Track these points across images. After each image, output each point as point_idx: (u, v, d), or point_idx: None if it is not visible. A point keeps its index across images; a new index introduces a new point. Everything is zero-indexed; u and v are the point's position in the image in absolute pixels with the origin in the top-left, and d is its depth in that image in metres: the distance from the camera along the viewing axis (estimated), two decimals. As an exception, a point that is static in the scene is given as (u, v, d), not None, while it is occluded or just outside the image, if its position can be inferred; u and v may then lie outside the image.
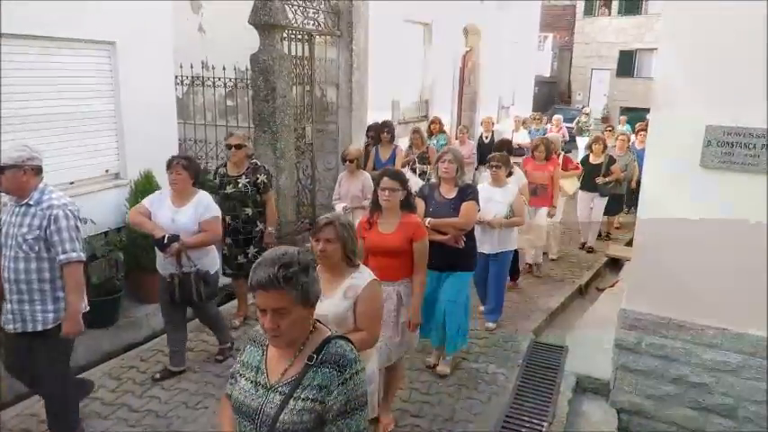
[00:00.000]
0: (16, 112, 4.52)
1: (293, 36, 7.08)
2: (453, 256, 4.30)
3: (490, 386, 4.43)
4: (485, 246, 5.14)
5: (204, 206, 4.18)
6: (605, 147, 8.19)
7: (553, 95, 26.46)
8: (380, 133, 7.23)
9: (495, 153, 5.45)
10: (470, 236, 4.45)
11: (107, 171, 5.43)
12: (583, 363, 4.71)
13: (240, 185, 4.92)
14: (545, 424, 3.96)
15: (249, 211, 4.99)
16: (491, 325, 5.39)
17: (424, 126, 9.27)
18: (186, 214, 4.14)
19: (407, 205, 3.71)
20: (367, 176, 5.94)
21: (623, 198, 8.99)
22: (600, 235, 8.64)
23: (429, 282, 4.09)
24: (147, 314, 5.22)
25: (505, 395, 4.31)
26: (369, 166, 6.82)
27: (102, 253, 5.07)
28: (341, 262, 2.85)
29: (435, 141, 8.75)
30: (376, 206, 3.71)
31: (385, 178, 3.63)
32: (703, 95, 3.74)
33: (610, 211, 8.63)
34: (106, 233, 5.26)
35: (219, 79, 7.25)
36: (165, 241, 4.00)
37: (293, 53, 7.12)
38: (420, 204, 4.24)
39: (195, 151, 7.55)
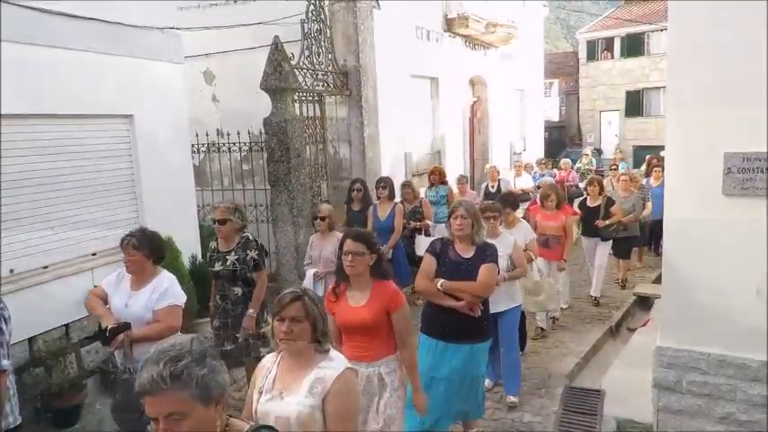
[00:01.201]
0: (39, 187, 4.65)
1: (304, 98, 7.28)
2: (467, 322, 3.72)
3: (527, 436, 4.25)
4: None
5: (161, 291, 3.55)
6: (602, 188, 7.60)
7: (564, 139, 26.67)
8: (376, 190, 6.79)
9: (485, 202, 5.08)
10: (486, 301, 3.88)
11: (127, 241, 5.50)
12: (622, 406, 4.51)
13: (229, 262, 4.43)
14: (588, 474, 3.77)
15: (239, 290, 4.49)
16: (513, 399, 4.73)
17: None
18: (140, 300, 3.55)
19: (379, 271, 3.19)
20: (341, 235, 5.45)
21: (635, 241, 8.47)
22: (620, 282, 8.18)
23: (429, 352, 3.74)
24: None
25: (544, 445, 4.13)
26: (368, 226, 6.44)
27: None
28: (309, 347, 2.32)
29: (435, 193, 8.13)
30: (341, 274, 3.19)
31: (348, 240, 3.13)
32: (719, 122, 3.72)
33: (620, 254, 8.16)
34: (128, 302, 5.26)
35: (234, 144, 7.43)
36: (108, 332, 3.40)
37: (305, 114, 7.29)
38: (430, 262, 3.82)
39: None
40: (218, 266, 4.48)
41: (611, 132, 25.79)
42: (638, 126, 24.58)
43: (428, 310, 3.83)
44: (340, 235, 5.30)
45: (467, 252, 3.80)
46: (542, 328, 6.23)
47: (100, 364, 5.02)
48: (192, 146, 7.13)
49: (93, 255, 5.10)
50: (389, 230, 6.47)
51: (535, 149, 15.27)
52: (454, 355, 3.70)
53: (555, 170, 12.72)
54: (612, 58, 26.11)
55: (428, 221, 7.22)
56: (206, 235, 6.83)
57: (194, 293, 5.51)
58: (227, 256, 4.44)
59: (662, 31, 22.43)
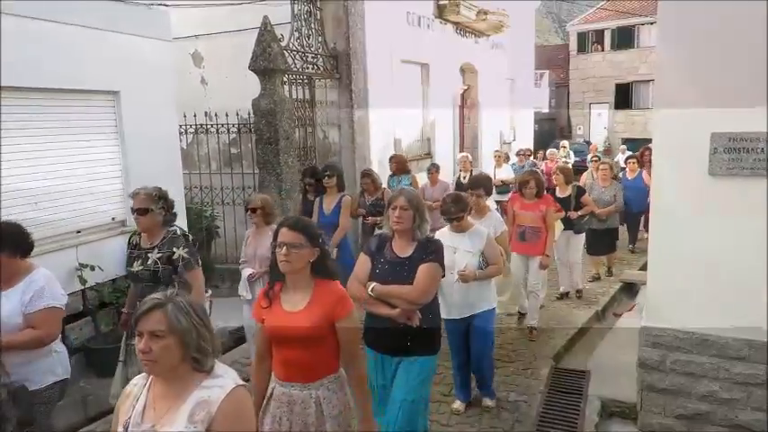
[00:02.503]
0: (24, 164, 4.59)
1: (293, 80, 7.23)
2: (406, 333, 3.14)
3: (513, 414, 4.28)
4: (453, 310, 4.14)
5: (35, 291, 2.98)
6: (568, 177, 7.03)
7: (554, 131, 26.76)
8: (322, 178, 5.96)
9: (448, 194, 4.50)
10: (432, 308, 3.27)
11: (113, 219, 5.47)
12: (607, 386, 4.57)
13: (150, 262, 3.63)
14: (572, 450, 3.80)
15: None
16: (490, 403, 4.39)
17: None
18: (10, 302, 2.96)
19: (323, 269, 2.61)
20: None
21: (616, 233, 7.99)
22: (600, 276, 7.84)
23: (376, 369, 3.22)
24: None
25: (528, 423, 4.16)
26: (314, 220, 5.62)
27: (111, 300, 5.04)
28: (181, 368, 1.85)
29: (397, 183, 7.32)
30: (274, 272, 2.61)
31: (283, 230, 2.54)
32: (706, 103, 3.74)
33: (599, 250, 7.79)
34: (114, 280, 5.24)
35: (223, 125, 7.37)
36: None
37: (294, 97, 7.25)
38: (364, 263, 3.25)
39: (201, 198, 7.61)
40: (136, 266, 3.68)
41: (600, 125, 25.93)
42: (628, 119, 24.74)
43: (367, 318, 3.27)
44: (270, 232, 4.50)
45: (405, 250, 3.20)
46: (534, 328, 5.81)
47: (84, 342, 4.98)
48: (180, 127, 7.06)
49: (78, 232, 5.04)
50: (334, 226, 5.69)
51: (525, 140, 15.30)
52: (398, 371, 3.19)
53: (534, 160, 12.35)
54: (603, 50, 26.21)
55: None
56: (193, 217, 6.80)
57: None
58: (149, 254, 3.65)
59: (652, 24, 22.55)
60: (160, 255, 3.64)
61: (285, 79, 6.98)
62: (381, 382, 3.24)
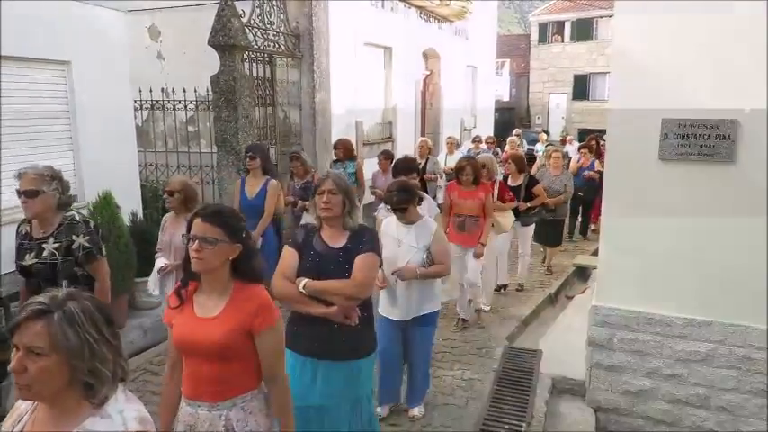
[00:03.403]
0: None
1: (254, 57, 7.10)
2: (344, 333, 2.80)
3: (466, 391, 4.36)
4: (395, 311, 3.73)
5: None
6: (520, 167, 6.72)
7: (513, 120, 27.14)
8: (244, 160, 5.41)
9: (394, 181, 4.05)
10: (366, 304, 2.94)
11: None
12: (558, 365, 4.69)
13: (45, 253, 3.14)
14: (523, 425, 3.91)
15: None
16: (417, 413, 3.96)
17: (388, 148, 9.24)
18: None
19: (244, 271, 2.20)
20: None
21: (562, 225, 7.82)
22: (547, 269, 7.58)
23: (297, 374, 2.77)
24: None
25: (482, 399, 4.25)
26: (235, 204, 5.29)
27: (62, 276, 4.87)
28: (67, 394, 1.47)
29: (342, 170, 6.92)
30: (187, 270, 2.21)
31: (197, 220, 2.14)
32: (658, 89, 3.86)
33: (549, 239, 7.58)
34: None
35: (180, 102, 7.19)
36: None
37: (254, 75, 7.13)
38: (291, 256, 2.86)
39: (156, 176, 7.44)
40: (29, 259, 3.17)
41: (558, 114, 26.43)
42: (584, 109, 25.26)
43: (293, 320, 2.89)
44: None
45: (337, 240, 2.86)
46: (464, 319, 5.56)
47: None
48: (135, 102, 6.87)
49: (26, 206, 4.85)
50: (259, 212, 5.14)
51: (485, 128, 15.47)
52: (329, 377, 2.82)
53: (498, 149, 12.04)
54: (562, 41, 26.65)
55: None
56: (148, 195, 6.63)
57: (134, 251, 5.37)
58: (44, 245, 3.16)
59: (611, 17, 23.03)
60: (57, 244, 3.14)
61: (245, 56, 6.85)
62: (304, 392, 2.76)
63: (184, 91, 7.15)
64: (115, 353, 1.51)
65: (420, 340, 3.87)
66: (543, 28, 27.29)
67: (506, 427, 3.89)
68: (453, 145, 10.00)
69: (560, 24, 26.72)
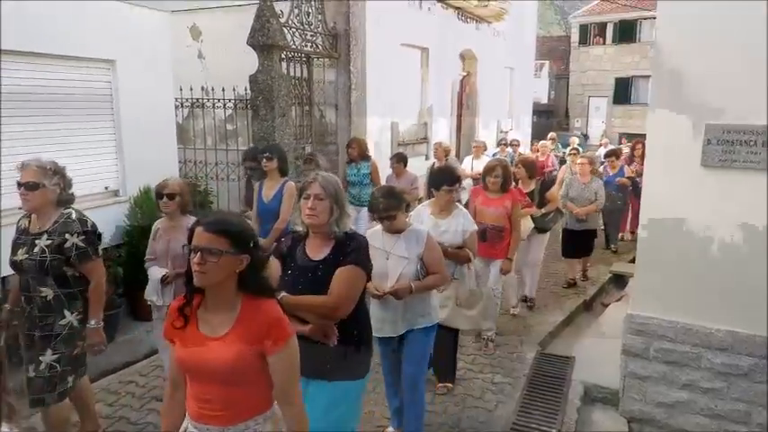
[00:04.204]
0: (16, 129, 4.55)
1: (291, 57, 7.19)
2: (326, 352, 2.55)
3: (496, 395, 4.33)
4: (386, 327, 3.35)
5: None
6: (531, 171, 6.11)
7: (552, 123, 26.74)
8: (261, 161, 5.02)
9: (375, 203, 3.40)
10: (357, 322, 2.66)
11: (107, 188, 5.46)
12: (590, 372, 4.62)
13: (36, 249, 2.99)
14: (553, 431, 3.85)
15: (48, 292, 3.04)
16: None
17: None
18: None
19: (252, 284, 1.99)
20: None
21: (594, 235, 7.26)
22: (573, 281, 7.03)
23: None
24: (147, 331, 5.15)
25: (512, 404, 4.21)
26: (253, 209, 5.10)
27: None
28: None
29: (356, 171, 6.68)
30: (190, 284, 1.99)
31: (198, 230, 1.94)
32: (702, 95, 3.75)
33: (575, 252, 7.03)
34: (106, 249, 5.21)
35: (219, 100, 7.33)
36: None
37: (292, 74, 7.21)
38: (274, 269, 2.62)
39: (195, 173, 7.59)
40: (20, 255, 3.04)
41: (598, 118, 25.92)
42: (625, 113, 24.72)
43: None
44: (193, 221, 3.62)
45: (320, 251, 2.61)
46: (486, 338, 5.09)
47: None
48: (176, 100, 7.02)
49: (72, 199, 5.03)
50: (275, 216, 4.87)
51: (523, 130, 15.29)
52: (315, 396, 2.53)
53: (521, 152, 11.16)
54: (604, 43, 26.12)
55: None
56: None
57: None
58: (37, 240, 3.02)
59: (655, 18, 22.44)
60: (49, 241, 3.00)
61: (283, 56, 6.94)
62: None
63: (223, 90, 7.27)
64: None
65: (412, 356, 3.43)
66: (584, 29, 26.78)
67: (536, 433, 3.84)
68: (481, 149, 9.50)
69: (602, 26, 26.18)
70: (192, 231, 1.96)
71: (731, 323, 3.84)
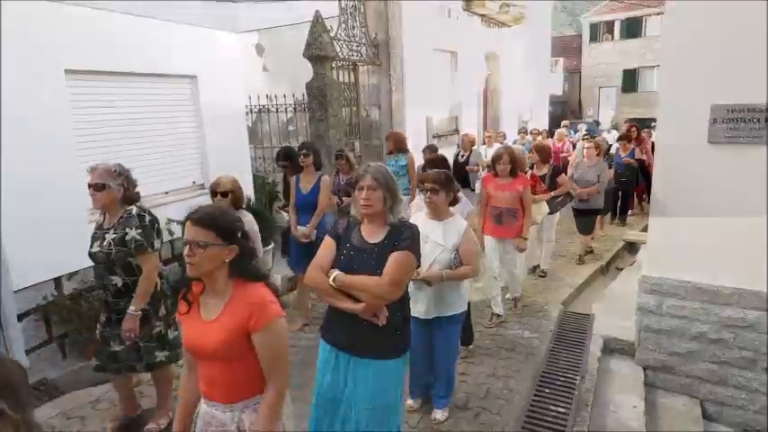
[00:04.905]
0: (117, 136, 4.73)
1: (341, 66, 7.19)
2: (372, 331, 2.33)
3: (526, 348, 4.29)
4: (417, 307, 3.08)
5: None
6: (545, 156, 5.89)
7: (565, 112, 25.94)
8: (298, 157, 4.77)
9: (428, 171, 3.32)
10: (401, 304, 2.43)
11: (194, 182, 5.59)
12: (609, 328, 4.51)
13: (105, 243, 2.97)
14: (578, 378, 3.80)
15: (118, 280, 3.02)
16: (440, 416, 3.35)
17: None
18: None
19: (241, 270, 1.88)
20: (249, 218, 3.76)
21: (595, 215, 6.94)
22: (580, 258, 6.58)
23: (328, 366, 2.42)
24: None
25: (540, 356, 4.16)
26: (291, 201, 4.86)
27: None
28: None
29: (394, 162, 6.18)
30: (185, 275, 1.90)
31: (188, 224, 1.83)
32: (707, 77, 3.57)
33: (582, 228, 6.68)
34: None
35: (281, 106, 7.42)
36: None
37: (341, 80, 7.21)
38: (329, 247, 2.44)
39: (264, 167, 7.75)
40: (95, 247, 3.02)
41: (608, 106, 24.98)
42: (633, 101, 23.74)
43: (329, 310, 2.49)
44: (248, 216, 3.72)
45: (375, 235, 2.39)
46: (498, 315, 4.77)
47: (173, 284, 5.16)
48: (246, 107, 7.15)
49: (166, 193, 5.20)
50: (313, 206, 4.70)
51: (540, 120, 14.86)
52: (358, 374, 2.38)
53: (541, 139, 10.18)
54: (612, 39, 25.06)
55: None
56: (258, 183, 6.92)
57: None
58: (106, 235, 3.00)
59: (659, 15, 21.35)
60: (115, 235, 2.96)
61: (333, 65, 6.94)
62: (329, 383, 2.41)
63: (285, 96, 7.36)
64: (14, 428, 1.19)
65: (444, 341, 3.24)
66: (594, 28, 25.76)
67: (562, 380, 3.79)
68: (492, 138, 8.89)
69: (610, 24, 25.12)
70: (184, 222, 1.86)
71: (738, 281, 3.69)
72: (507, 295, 5.10)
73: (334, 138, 6.72)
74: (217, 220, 1.83)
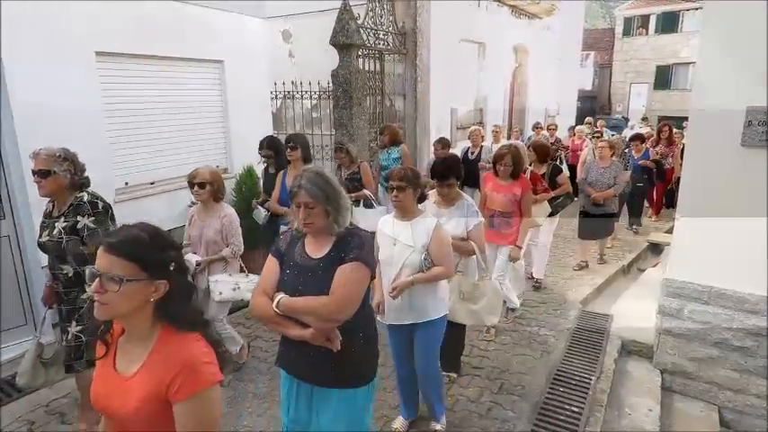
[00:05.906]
0: (148, 120, 4.81)
1: (366, 54, 7.15)
2: (328, 358, 2.06)
3: (542, 345, 4.26)
4: (390, 314, 2.87)
5: None
6: (544, 155, 5.33)
7: (594, 108, 25.42)
8: (284, 150, 4.47)
9: (393, 168, 2.97)
10: (361, 318, 2.14)
11: (218, 166, 5.63)
12: (627, 329, 4.45)
13: (55, 231, 2.79)
14: (593, 378, 3.76)
15: (68, 269, 2.83)
16: (439, 427, 3.13)
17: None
18: None
19: (170, 314, 1.43)
20: (230, 212, 3.58)
21: (612, 219, 6.33)
22: (584, 265, 6.14)
23: (289, 393, 2.21)
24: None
25: (556, 354, 4.13)
26: (275, 196, 4.52)
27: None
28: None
29: (386, 156, 5.96)
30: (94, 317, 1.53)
31: (100, 250, 1.39)
32: (743, 79, 3.45)
33: (591, 234, 6.12)
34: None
35: (306, 92, 7.43)
36: None
37: (367, 68, 7.18)
38: (272, 268, 2.14)
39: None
40: (44, 237, 2.84)
41: (639, 103, 24.38)
42: (665, 98, 23.11)
43: (283, 338, 2.18)
44: (228, 209, 3.55)
45: (320, 249, 2.10)
46: (513, 309, 4.58)
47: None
48: (271, 93, 7.18)
49: (190, 176, 5.28)
50: None
51: (569, 116, 14.61)
52: (320, 405, 2.15)
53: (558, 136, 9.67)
54: (647, 34, 24.36)
55: (366, 191, 4.86)
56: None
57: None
58: (56, 223, 2.81)
59: (697, 9, 20.66)
60: (65, 224, 2.78)
61: (359, 53, 6.90)
62: (293, 415, 2.20)
63: (309, 83, 7.36)
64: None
65: (424, 349, 2.92)
66: (628, 21, 25.06)
67: (577, 379, 3.76)
68: (500, 134, 8.38)
69: (645, 18, 24.40)
70: (95, 250, 1.41)
71: (764, 289, 3.59)
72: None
73: (357, 126, 6.71)
74: (141, 245, 1.37)
